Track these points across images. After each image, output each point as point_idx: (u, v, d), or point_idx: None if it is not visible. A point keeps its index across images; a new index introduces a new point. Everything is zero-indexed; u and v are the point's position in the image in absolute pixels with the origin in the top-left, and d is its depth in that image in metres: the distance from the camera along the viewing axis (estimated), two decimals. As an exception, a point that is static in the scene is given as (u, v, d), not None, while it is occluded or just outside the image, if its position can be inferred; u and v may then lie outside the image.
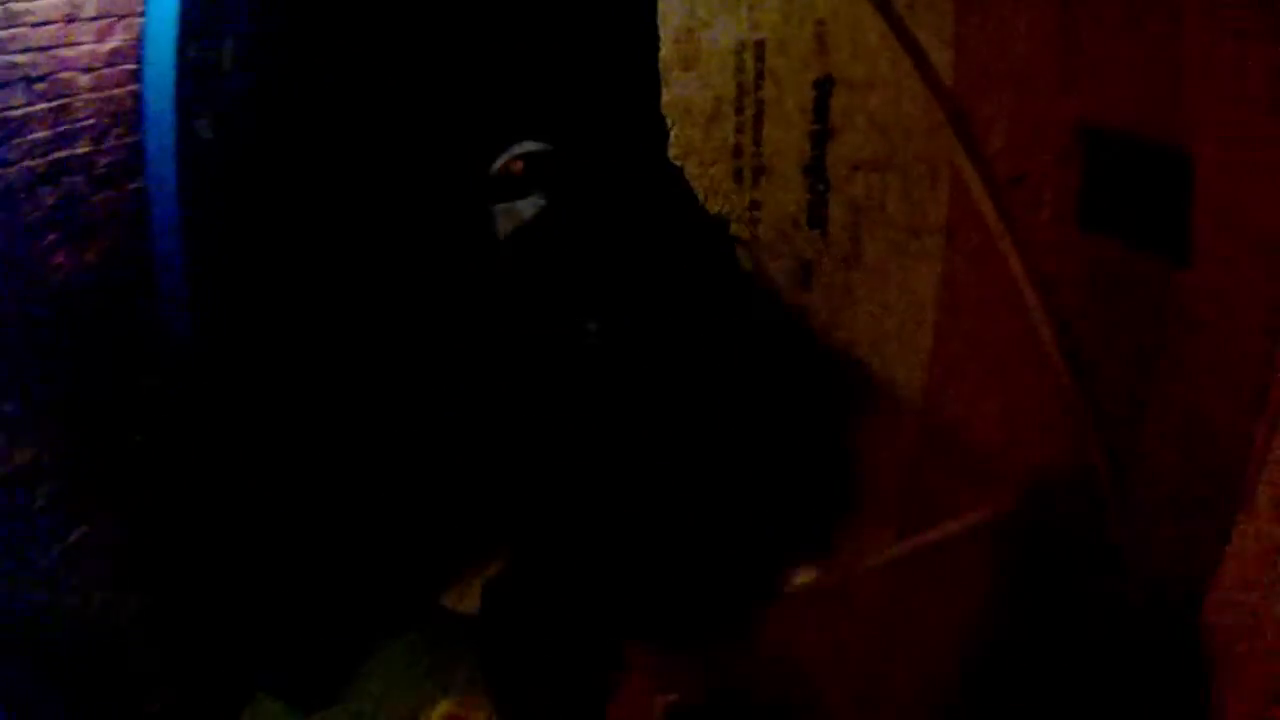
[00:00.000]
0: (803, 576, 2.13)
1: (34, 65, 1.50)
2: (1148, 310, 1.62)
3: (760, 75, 2.03)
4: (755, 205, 2.07)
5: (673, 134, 2.07)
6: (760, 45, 2.01)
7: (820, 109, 2.02)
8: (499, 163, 1.89)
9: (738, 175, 2.06)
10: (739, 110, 2.04)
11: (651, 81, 2.07)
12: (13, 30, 1.48)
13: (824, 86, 2.01)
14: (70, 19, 1.59)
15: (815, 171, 2.03)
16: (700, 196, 2.08)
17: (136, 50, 1.63)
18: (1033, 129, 1.77)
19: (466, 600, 2.06)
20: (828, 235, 2.05)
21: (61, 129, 1.53)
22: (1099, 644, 1.77)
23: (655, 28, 2.02)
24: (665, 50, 2.05)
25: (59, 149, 1.52)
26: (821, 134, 2.02)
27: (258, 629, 1.87)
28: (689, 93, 2.05)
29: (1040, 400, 1.80)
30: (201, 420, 1.65)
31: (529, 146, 1.92)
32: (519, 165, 1.87)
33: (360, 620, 2.01)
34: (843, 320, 2.08)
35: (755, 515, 2.12)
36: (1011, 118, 1.80)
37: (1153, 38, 1.49)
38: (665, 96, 2.07)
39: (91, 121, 1.57)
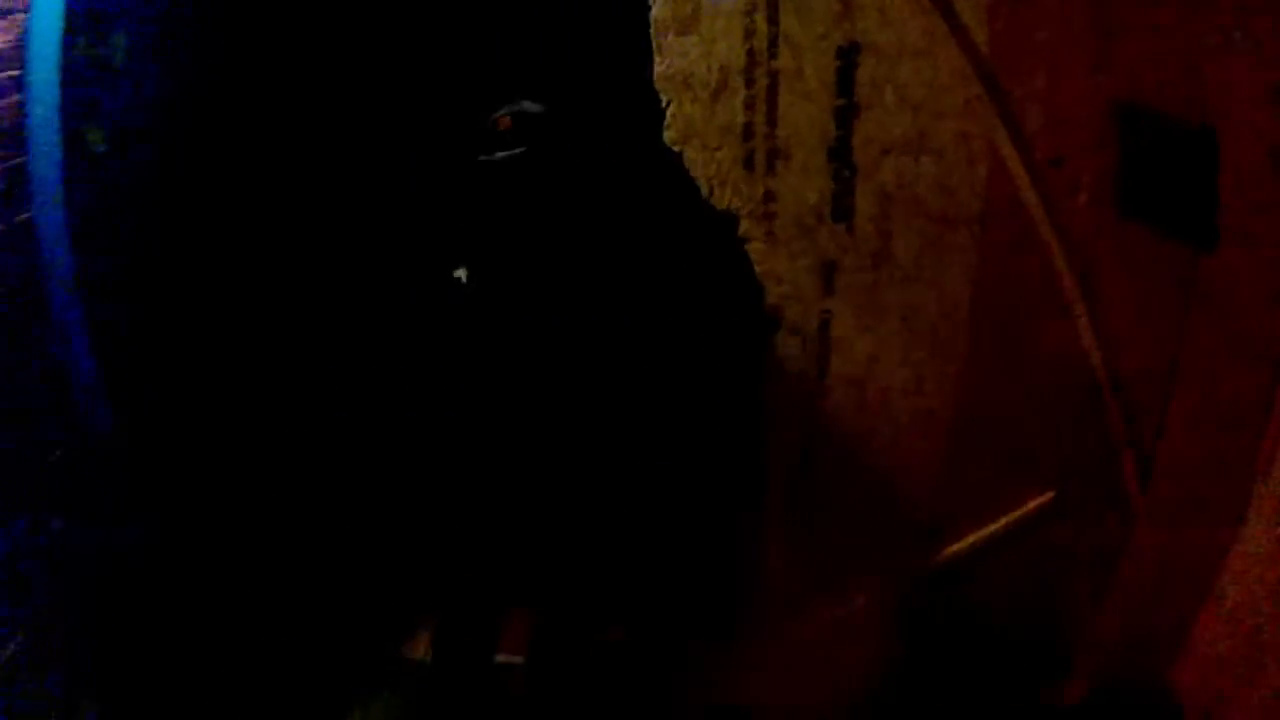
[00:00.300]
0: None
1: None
2: (1176, 299, 1.59)
3: (774, 41, 1.67)
4: (770, 197, 1.74)
5: (669, 113, 1.73)
6: (774, 5, 1.64)
7: (845, 81, 1.67)
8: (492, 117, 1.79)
9: (749, 161, 1.73)
10: (749, 83, 1.69)
11: (642, 49, 1.73)
12: None
13: (849, 55, 1.65)
14: (-54, 18, 1.34)
15: (840, 155, 1.70)
16: (704, 189, 1.76)
17: (21, 51, 1.38)
18: (1070, 108, 1.67)
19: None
20: (854, 230, 1.73)
21: (-64, 157, 1.29)
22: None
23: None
24: (658, 9, 1.69)
25: (-68, 181, 1.28)
26: (847, 111, 1.68)
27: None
28: (688, 62, 1.70)
29: (1072, 396, 1.72)
30: (124, 491, 1.42)
31: (525, 105, 1.78)
32: (507, 121, 1.75)
33: (330, 688, 1.83)
34: (869, 324, 1.79)
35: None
36: (1049, 95, 1.68)
37: (1175, 19, 1.44)
38: (659, 67, 1.72)
39: (-29, 143, 1.34)
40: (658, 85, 1.73)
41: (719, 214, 1.77)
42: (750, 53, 1.67)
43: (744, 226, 1.78)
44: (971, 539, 1.89)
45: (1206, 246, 1.51)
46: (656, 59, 1.72)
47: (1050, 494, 1.82)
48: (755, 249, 1.79)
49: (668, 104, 1.73)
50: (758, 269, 1.80)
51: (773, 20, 1.65)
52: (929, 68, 1.61)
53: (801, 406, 1.89)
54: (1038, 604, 1.91)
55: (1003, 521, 1.87)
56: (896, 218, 1.70)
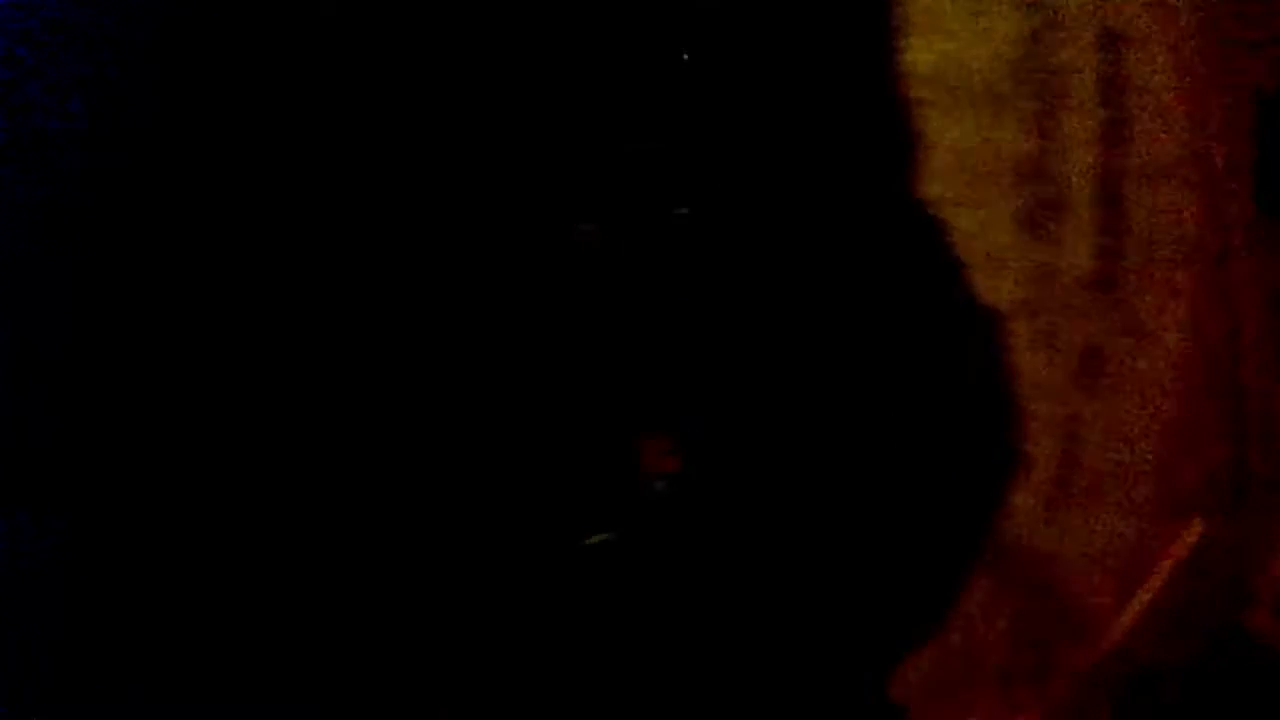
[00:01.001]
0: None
1: None
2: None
3: (1052, 20, 1.01)
4: (1045, 273, 1.07)
5: (929, 138, 0.92)
6: (1052, -36, 0.99)
7: (1109, 85, 1.10)
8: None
9: (1030, 219, 1.02)
10: (1026, 86, 0.99)
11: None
12: None
13: (1110, 47, 1.09)
14: None
15: (1110, 195, 1.12)
16: (977, 275, 0.99)
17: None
18: (1227, 98, 1.39)
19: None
20: (1116, 297, 1.19)
21: None
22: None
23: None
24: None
25: None
26: (1115, 127, 1.12)
27: None
28: (959, 47, 0.92)
29: (1228, 419, 1.45)
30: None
31: None
32: None
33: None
34: (1114, 422, 1.27)
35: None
36: (1221, 84, 1.35)
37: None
38: (909, 54, 0.90)
39: None
40: (909, 91, 0.90)
41: (978, 311, 1.03)
42: (1033, 37, 0.97)
43: (1009, 324, 1.07)
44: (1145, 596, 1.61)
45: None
46: (904, 42, 0.89)
47: (1199, 524, 1.61)
48: (1019, 357, 1.10)
49: (926, 125, 0.92)
50: (1016, 385, 1.11)
51: (1050, -15, 0.98)
52: (1169, 62, 1.16)
53: (1029, 549, 1.29)
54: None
55: (1167, 567, 1.61)
56: (1149, 270, 1.22)
